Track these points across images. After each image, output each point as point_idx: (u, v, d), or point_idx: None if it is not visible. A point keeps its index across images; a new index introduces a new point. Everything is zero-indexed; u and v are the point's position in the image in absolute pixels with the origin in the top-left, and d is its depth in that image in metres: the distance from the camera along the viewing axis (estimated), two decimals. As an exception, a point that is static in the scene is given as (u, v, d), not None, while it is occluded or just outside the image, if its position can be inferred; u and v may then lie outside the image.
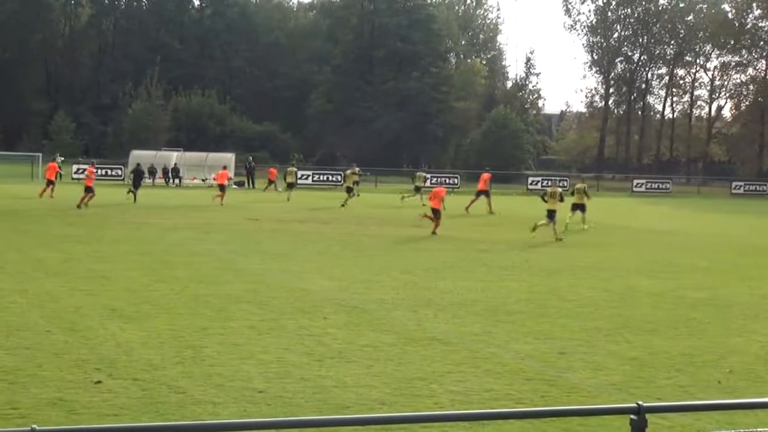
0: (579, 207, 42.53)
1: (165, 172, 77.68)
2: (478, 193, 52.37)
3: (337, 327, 17.07)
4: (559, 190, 39.11)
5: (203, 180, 76.94)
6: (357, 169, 59.01)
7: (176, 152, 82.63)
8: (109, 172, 76.93)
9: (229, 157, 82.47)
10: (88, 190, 45.97)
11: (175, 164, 78.38)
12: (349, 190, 55.25)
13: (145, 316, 17.52)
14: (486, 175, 53.09)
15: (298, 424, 6.26)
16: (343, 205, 51.99)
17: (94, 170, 51.23)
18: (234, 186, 74.54)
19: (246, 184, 76.19)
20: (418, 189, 59.24)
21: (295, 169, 65.76)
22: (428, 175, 66.90)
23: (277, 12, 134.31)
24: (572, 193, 43.92)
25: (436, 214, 37.82)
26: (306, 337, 16.09)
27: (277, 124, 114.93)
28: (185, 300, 19.39)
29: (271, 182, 68.82)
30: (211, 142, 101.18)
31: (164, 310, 18.23)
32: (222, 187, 52.66)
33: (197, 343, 15.43)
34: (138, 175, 54.59)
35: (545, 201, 38.29)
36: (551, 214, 37.49)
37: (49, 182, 53.06)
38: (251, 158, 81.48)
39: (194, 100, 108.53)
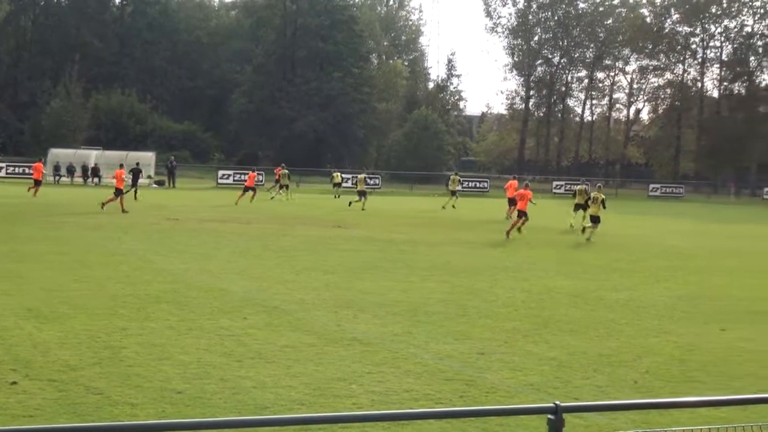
0: (581, 207, 44.33)
1: (84, 170, 76.88)
2: (511, 201, 50.59)
3: (257, 327, 17.00)
4: (602, 196, 39.80)
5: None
6: (363, 175, 60.20)
7: (95, 151, 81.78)
8: (26, 170, 75.89)
9: (150, 156, 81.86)
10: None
11: (95, 163, 77.53)
12: (361, 194, 56.96)
13: (62, 317, 17.32)
14: (513, 183, 52.85)
15: (217, 425, 6.22)
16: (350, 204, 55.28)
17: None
18: (154, 185, 74.04)
19: (167, 184, 75.65)
20: (453, 192, 60.97)
21: (286, 172, 66.58)
22: (460, 178, 67.27)
23: (199, 11, 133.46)
24: (573, 195, 46.31)
25: (521, 215, 39.31)
26: (226, 338, 16.01)
27: (198, 124, 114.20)
28: (103, 300, 19.19)
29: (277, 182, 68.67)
30: (131, 141, 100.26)
31: (82, 310, 18.03)
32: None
33: (115, 343, 15.28)
34: (136, 174, 57.12)
35: (588, 206, 40.19)
36: (594, 219, 39.03)
37: None
38: (173, 158, 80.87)
39: (114, 98, 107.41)
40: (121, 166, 50.92)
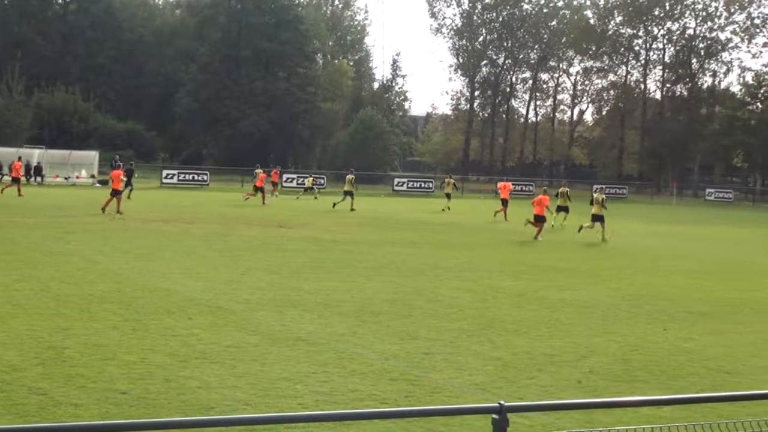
0: (563, 209, 48.17)
1: (27, 169, 76.14)
2: (503, 201, 54.13)
3: (202, 327, 16.94)
4: (603, 196, 42.66)
5: (66, 178, 75.59)
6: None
7: (38, 150, 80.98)
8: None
9: (93, 156, 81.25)
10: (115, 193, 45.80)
11: (38, 162, 76.81)
12: (347, 193, 57.42)
13: (4, 316, 17.15)
14: (507, 184, 56.17)
15: (162, 425, 6.19)
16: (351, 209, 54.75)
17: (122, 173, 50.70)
18: (97, 185, 73.49)
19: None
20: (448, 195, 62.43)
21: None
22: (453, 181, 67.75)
23: (143, 9, 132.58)
24: (556, 196, 48.15)
25: (539, 219, 40.72)
26: (170, 338, 15.94)
27: (142, 123, 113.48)
28: (46, 300, 19.04)
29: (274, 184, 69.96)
30: (75, 139, 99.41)
31: (24, 310, 17.87)
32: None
33: (59, 343, 15.16)
34: (129, 174, 56.95)
35: (591, 205, 42.38)
36: (597, 218, 41.39)
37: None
38: (117, 157, 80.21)
39: (57, 96, 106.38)
40: (120, 167, 51.25)
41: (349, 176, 58.51)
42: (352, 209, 53.78)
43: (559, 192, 49.72)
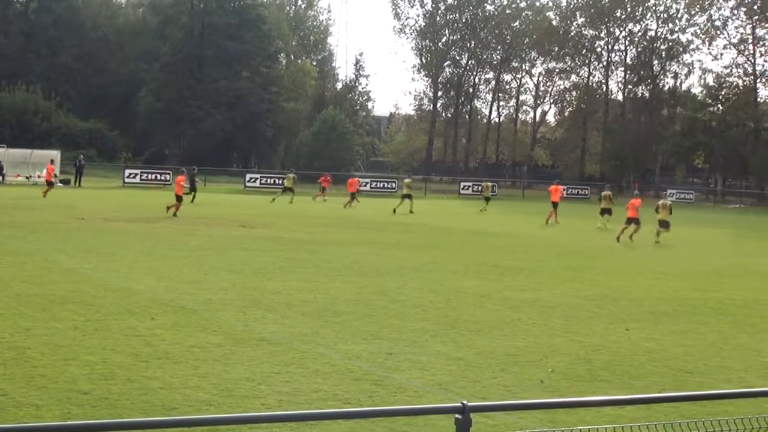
0: (607, 211, 51.45)
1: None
2: (554, 204, 55.43)
3: (165, 328, 16.88)
4: (669, 202, 44.85)
5: (27, 177, 75.04)
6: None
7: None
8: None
9: (55, 155, 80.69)
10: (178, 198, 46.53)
11: (-1, 161, 76.23)
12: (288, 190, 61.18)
13: (-36, 317, 17.05)
14: (558, 187, 58.13)
15: (124, 426, 6.16)
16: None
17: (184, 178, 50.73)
18: (59, 184, 73.08)
19: (72, 183, 74.66)
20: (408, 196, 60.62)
21: (293, 175, 67.98)
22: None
23: (105, 8, 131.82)
24: (599, 200, 51.60)
25: (634, 221, 42.92)
26: (132, 338, 15.87)
27: (104, 122, 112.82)
28: (7, 300, 18.91)
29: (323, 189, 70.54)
30: (36, 138, 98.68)
31: (-15, 310, 17.77)
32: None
33: (19, 344, 15.06)
34: (192, 179, 58.50)
35: (657, 212, 43.74)
36: (663, 224, 43.15)
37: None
38: (81, 156, 79.77)
39: (18, 95, 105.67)
40: (182, 172, 51.51)
41: (291, 175, 59.38)
42: (290, 202, 57.00)
43: (603, 195, 53.56)
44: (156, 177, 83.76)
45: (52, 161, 63.06)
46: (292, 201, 62.67)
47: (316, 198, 69.07)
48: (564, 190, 58.40)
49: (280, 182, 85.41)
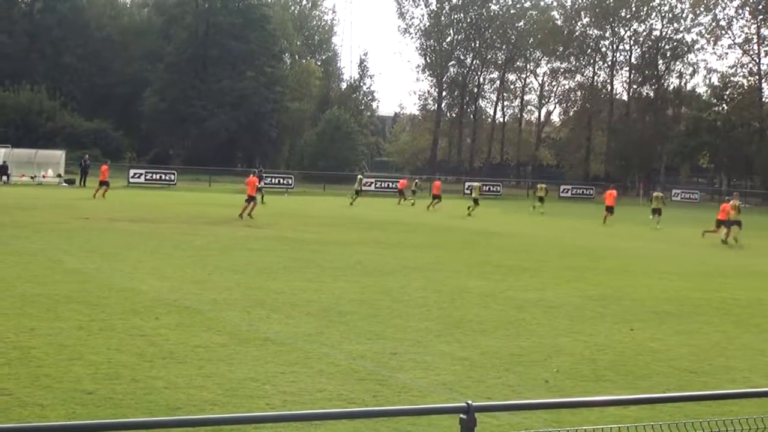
0: (657, 211, 54.71)
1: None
2: (609, 209, 56.96)
3: (169, 327, 16.88)
4: (738, 202, 46.74)
5: (32, 177, 75.12)
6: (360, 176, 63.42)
7: (4, 149, 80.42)
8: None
9: (59, 155, 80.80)
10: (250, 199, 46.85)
11: (4, 161, 76.27)
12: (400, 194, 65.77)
13: (-31, 317, 17.05)
14: (613, 192, 59.10)
15: (128, 426, 6.17)
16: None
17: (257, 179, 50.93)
18: (64, 184, 73.18)
19: (77, 183, 74.71)
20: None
21: (360, 177, 70.75)
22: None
23: (110, 8, 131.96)
24: (650, 200, 53.82)
25: (725, 224, 44.60)
26: (137, 338, 15.87)
27: (109, 122, 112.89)
28: (12, 300, 18.92)
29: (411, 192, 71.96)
30: (41, 138, 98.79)
31: (-10, 310, 17.77)
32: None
33: (24, 343, 15.06)
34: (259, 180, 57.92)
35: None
36: (726, 223, 44.81)
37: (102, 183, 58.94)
38: (87, 156, 79.84)
39: (23, 95, 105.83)
40: (254, 173, 52.27)
41: (359, 177, 61.01)
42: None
43: (654, 196, 57.43)
44: (161, 177, 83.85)
45: (107, 162, 63.52)
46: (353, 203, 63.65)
47: (403, 202, 70.38)
48: (615, 191, 59.47)
49: (285, 182, 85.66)
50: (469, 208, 59.94)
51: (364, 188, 68.79)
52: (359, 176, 72.19)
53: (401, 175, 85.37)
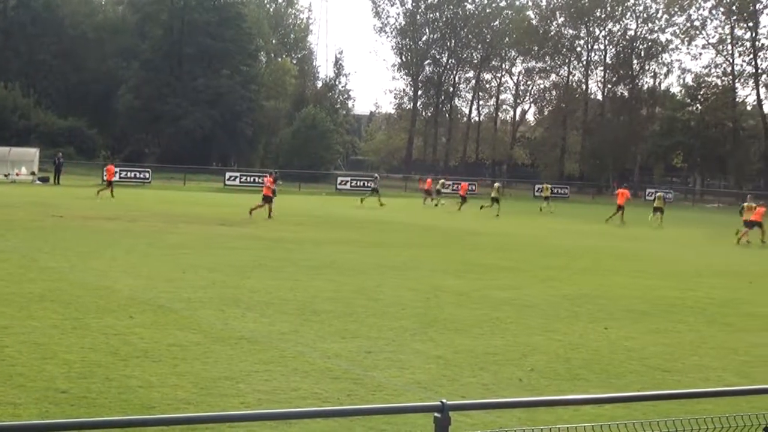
0: (659, 210, 57.61)
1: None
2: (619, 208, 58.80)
3: (143, 326, 16.83)
4: (753, 204, 47.72)
5: (6, 175, 74.75)
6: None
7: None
8: None
9: (33, 152, 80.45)
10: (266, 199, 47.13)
11: (-24, 159, 75.96)
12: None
13: (-58, 315, 16.97)
14: (625, 191, 61.61)
15: (102, 424, 6.14)
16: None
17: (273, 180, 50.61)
18: (38, 182, 72.88)
19: (51, 180, 74.42)
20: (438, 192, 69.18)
21: (377, 175, 72.14)
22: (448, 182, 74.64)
23: (84, 5, 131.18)
24: (740, 212, 52.82)
25: (756, 225, 45.77)
26: (111, 337, 15.82)
27: (83, 119, 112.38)
28: (-15, 298, 18.84)
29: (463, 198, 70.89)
30: (14, 136, 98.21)
31: (-37, 308, 17.68)
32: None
33: (-3, 342, 15.01)
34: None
35: (741, 214, 47.67)
36: (748, 224, 46.22)
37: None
38: (60, 154, 79.53)
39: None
40: (271, 173, 52.52)
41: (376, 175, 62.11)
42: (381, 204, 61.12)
43: (657, 196, 61.34)
44: (135, 175, 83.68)
45: (114, 162, 63.64)
46: (381, 203, 64.42)
47: (428, 203, 70.81)
48: (627, 191, 61.07)
49: (260, 181, 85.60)
50: (482, 207, 61.98)
51: (375, 186, 68.64)
52: (376, 175, 72.48)
53: (426, 175, 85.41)
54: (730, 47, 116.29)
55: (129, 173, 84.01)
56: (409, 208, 63.06)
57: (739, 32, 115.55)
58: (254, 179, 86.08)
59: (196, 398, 12.42)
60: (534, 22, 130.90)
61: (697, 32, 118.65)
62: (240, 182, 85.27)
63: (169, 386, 12.92)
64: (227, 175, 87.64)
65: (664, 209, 58.64)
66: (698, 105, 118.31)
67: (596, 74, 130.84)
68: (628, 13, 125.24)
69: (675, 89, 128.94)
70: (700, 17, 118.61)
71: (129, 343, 15.38)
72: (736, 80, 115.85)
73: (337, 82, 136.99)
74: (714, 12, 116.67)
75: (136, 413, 11.38)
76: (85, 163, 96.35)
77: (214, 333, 16.61)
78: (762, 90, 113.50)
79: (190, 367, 14.03)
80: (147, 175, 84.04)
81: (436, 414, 6.22)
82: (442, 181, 78.61)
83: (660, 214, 57.21)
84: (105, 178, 60.15)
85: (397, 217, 52.27)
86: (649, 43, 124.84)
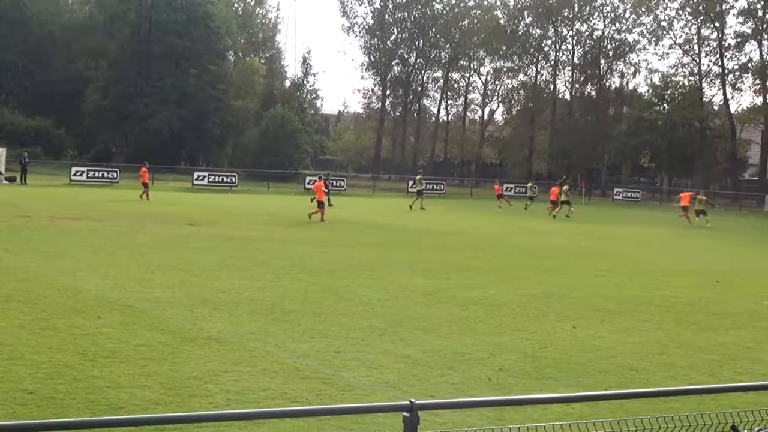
0: (702, 212, 59.09)
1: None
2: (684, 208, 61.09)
3: (111, 326, 16.77)
4: (704, 198, 58.70)
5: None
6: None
7: (-58, 146, 79.52)
8: None
9: (0, 152, 79.96)
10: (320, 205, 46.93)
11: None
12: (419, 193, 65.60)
13: None
14: (687, 194, 63.16)
15: (69, 425, 6.12)
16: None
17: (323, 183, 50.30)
18: (5, 182, 72.46)
19: (18, 180, 73.98)
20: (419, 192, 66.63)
21: (418, 177, 71.14)
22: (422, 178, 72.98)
23: (51, 4, 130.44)
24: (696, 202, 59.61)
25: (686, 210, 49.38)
26: (79, 337, 15.76)
27: (51, 119, 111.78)
28: (-49, 299, 18.73)
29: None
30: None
31: (-71, 309, 17.57)
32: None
33: (-36, 343, 14.92)
34: (326, 184, 58.53)
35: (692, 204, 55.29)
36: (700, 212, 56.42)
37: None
38: (26, 153, 79.10)
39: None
40: (320, 178, 52.30)
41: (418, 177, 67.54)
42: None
43: (698, 199, 60.72)
44: (103, 175, 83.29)
45: (146, 164, 63.41)
46: (418, 205, 63.83)
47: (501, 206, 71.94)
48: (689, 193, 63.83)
49: (228, 180, 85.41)
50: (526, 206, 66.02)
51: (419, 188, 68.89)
52: (418, 176, 72.27)
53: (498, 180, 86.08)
54: (696, 47, 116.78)
55: (97, 173, 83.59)
56: (378, 207, 63.04)
57: (705, 32, 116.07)
58: (222, 179, 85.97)
59: (164, 399, 12.39)
60: (502, 21, 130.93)
61: (664, 32, 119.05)
62: (208, 182, 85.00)
63: (137, 387, 12.89)
64: (195, 174, 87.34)
65: (707, 210, 60.11)
66: (665, 105, 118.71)
67: (564, 74, 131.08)
68: (596, 13, 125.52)
69: (642, 89, 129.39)
70: (667, 17, 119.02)
71: (97, 344, 15.33)
72: (703, 80, 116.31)
73: (305, 82, 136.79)
74: (681, 12, 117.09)
75: (104, 414, 11.35)
76: (52, 162, 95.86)
77: (183, 333, 16.57)
78: (728, 90, 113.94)
79: (158, 367, 13.99)
80: (115, 175, 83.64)
81: (405, 413, 6.23)
82: (530, 184, 79.25)
83: (704, 215, 58.67)
84: (141, 181, 61.30)
85: (366, 216, 52.25)
86: (617, 43, 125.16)
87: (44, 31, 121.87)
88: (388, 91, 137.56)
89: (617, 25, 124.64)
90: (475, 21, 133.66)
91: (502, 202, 73.72)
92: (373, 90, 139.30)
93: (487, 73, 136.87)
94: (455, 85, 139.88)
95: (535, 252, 36.17)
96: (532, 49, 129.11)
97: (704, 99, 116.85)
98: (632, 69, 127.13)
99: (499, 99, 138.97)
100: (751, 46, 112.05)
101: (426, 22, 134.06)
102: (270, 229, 40.23)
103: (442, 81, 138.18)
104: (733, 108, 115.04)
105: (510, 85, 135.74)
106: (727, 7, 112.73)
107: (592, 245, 40.90)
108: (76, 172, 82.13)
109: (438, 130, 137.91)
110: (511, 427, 8.27)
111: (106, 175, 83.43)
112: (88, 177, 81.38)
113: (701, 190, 67.68)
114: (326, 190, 49.27)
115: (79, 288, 20.91)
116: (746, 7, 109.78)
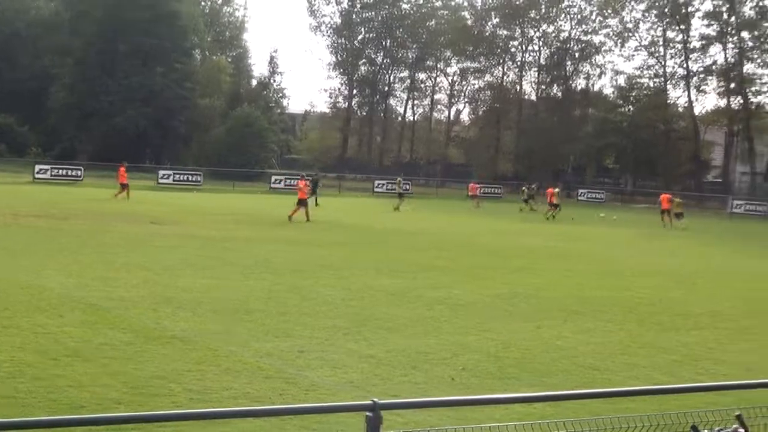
0: (679, 215, 59.25)
1: None
2: (663, 212, 61.13)
3: (74, 325, 16.69)
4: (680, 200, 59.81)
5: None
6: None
7: None
8: None
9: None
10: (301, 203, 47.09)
11: None
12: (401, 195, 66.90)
13: None
14: (667, 196, 62.77)
15: (29, 425, 6.08)
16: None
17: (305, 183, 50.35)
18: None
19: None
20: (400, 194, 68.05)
21: (400, 179, 72.91)
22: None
23: (17, 1, 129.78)
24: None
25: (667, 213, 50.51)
26: (41, 336, 15.67)
27: (15, 117, 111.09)
28: None
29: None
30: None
31: None
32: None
33: (-76, 342, 14.82)
34: (314, 183, 59.44)
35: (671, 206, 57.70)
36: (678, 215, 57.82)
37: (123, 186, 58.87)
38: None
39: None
40: (302, 177, 52.77)
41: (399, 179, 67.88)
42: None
43: (676, 202, 60.76)
44: (67, 173, 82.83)
45: (124, 164, 62.21)
46: (403, 206, 63.86)
47: (525, 210, 70.92)
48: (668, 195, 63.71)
49: (193, 179, 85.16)
50: (524, 208, 66.36)
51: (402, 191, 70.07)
52: (399, 178, 72.65)
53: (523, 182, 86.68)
54: (662, 49, 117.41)
55: (61, 171, 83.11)
56: (344, 207, 62.98)
57: (671, 35, 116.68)
58: (188, 177, 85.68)
59: (126, 398, 12.34)
60: (469, 22, 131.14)
61: (630, 34, 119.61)
62: (173, 180, 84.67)
63: (100, 386, 12.83)
64: (160, 173, 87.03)
65: (684, 213, 60.34)
66: (630, 106, 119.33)
67: (530, 75, 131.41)
68: (563, 15, 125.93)
69: (608, 91, 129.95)
70: (633, 19, 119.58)
71: (59, 342, 15.25)
72: (668, 82, 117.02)
73: (271, 81, 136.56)
74: (647, 14, 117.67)
75: (65, 413, 11.27)
76: (16, 160, 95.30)
77: (146, 332, 16.52)
78: (693, 92, 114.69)
79: (121, 366, 13.94)
80: (79, 173, 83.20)
81: (367, 413, 6.24)
82: (533, 186, 78.93)
83: (682, 218, 59.12)
84: (119, 180, 60.32)
85: (333, 216, 52.19)
86: (583, 45, 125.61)
87: (10, 29, 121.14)
88: (354, 91, 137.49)
89: (583, 26, 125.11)
90: (442, 21, 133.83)
91: (477, 202, 73.50)
92: (339, 89, 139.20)
93: (454, 73, 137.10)
94: (422, 85, 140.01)
95: (503, 252, 36.26)
96: (498, 50, 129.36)
97: (669, 101, 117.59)
98: (598, 70, 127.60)
99: (466, 99, 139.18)
100: (715, 49, 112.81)
101: (393, 22, 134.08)
102: (235, 228, 40.14)
103: (408, 81, 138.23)
104: (697, 110, 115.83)
105: (476, 86, 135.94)
106: (693, 9, 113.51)
107: (558, 245, 40.99)
108: (40, 170, 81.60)
109: (404, 129, 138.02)
110: (474, 426, 8.29)
111: (70, 173, 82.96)
112: (51, 175, 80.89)
113: (678, 193, 69.50)
114: (317, 191, 49.42)
115: (42, 286, 20.80)
116: (711, 9, 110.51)
